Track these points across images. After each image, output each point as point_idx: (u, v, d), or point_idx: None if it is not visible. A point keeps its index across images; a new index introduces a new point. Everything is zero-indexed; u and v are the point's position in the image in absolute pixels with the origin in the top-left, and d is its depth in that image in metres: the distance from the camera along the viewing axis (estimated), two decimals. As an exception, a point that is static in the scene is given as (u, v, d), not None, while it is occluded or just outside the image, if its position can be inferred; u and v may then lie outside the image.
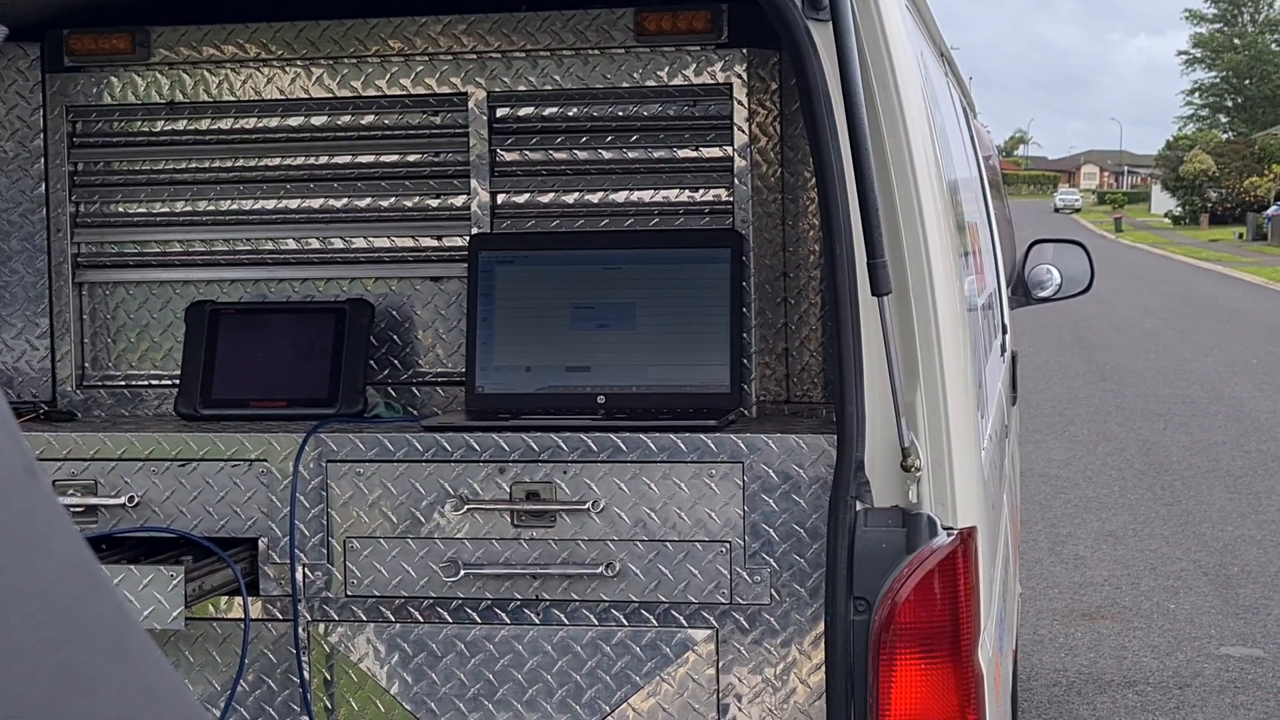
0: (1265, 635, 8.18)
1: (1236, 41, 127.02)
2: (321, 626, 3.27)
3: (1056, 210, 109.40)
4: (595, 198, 3.72)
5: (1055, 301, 7.48)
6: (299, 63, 3.75)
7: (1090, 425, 15.28)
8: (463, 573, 3.19)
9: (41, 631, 0.66)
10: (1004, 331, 5.83)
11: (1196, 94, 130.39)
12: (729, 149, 3.63)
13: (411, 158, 3.79)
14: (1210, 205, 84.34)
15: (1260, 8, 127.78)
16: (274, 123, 3.81)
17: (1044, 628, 8.31)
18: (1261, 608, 8.70)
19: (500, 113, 3.72)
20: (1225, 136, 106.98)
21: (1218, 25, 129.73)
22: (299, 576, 3.26)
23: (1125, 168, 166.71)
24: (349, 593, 3.25)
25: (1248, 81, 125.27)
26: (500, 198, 3.74)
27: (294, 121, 3.80)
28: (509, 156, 3.74)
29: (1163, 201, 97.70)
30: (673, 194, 3.69)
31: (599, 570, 3.14)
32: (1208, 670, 7.61)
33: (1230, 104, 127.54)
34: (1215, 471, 12.78)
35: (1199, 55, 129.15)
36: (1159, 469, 12.95)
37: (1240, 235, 68.00)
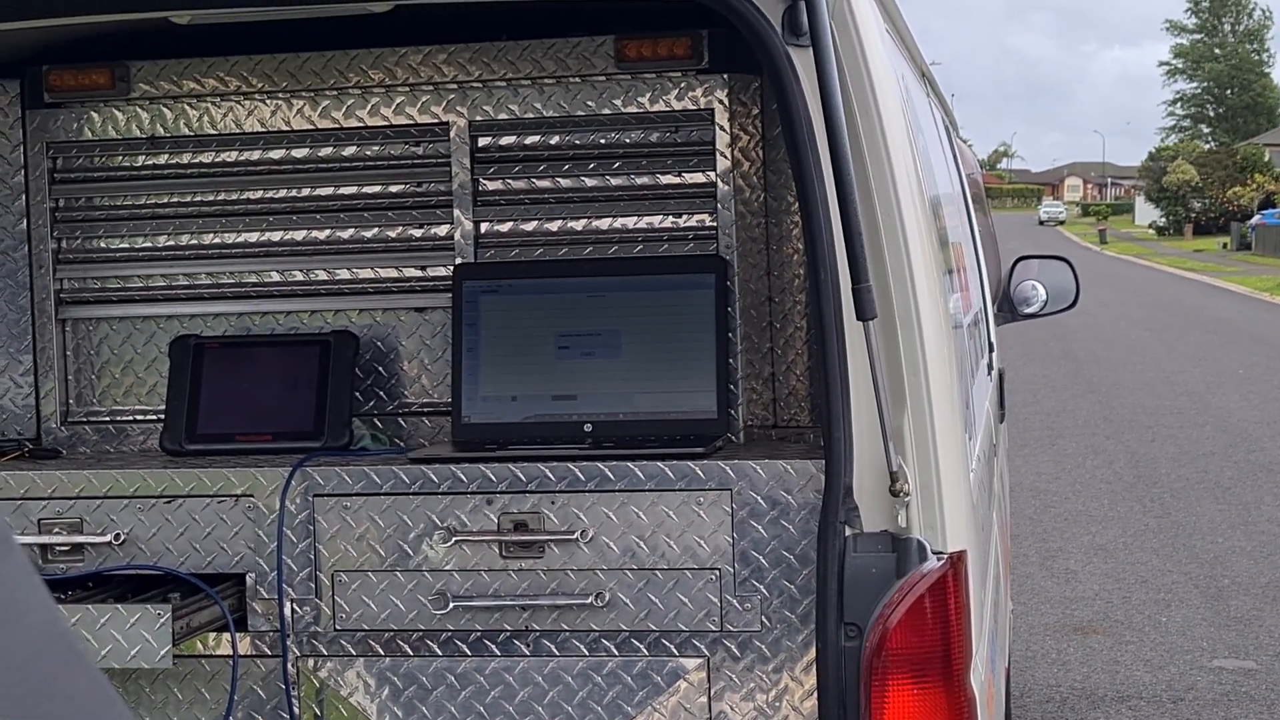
0: (1258, 647, 8.17)
1: (1217, 51, 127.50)
2: (310, 662, 3.25)
3: (1041, 223, 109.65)
4: (579, 225, 3.71)
5: (1041, 318, 7.48)
6: (280, 95, 3.74)
7: (1079, 438, 15.29)
8: (452, 605, 3.17)
9: (13, 711, 0.65)
10: (990, 350, 5.82)
11: (1178, 104, 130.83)
12: (712, 174, 3.62)
13: (394, 188, 3.78)
14: (1194, 215, 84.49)
15: (1240, 18, 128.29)
16: (256, 155, 3.80)
17: (1036, 643, 8.30)
18: (1253, 619, 8.70)
19: (482, 142, 3.71)
20: (1208, 146, 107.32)
21: (1198, 35, 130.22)
22: (287, 612, 3.24)
23: (1108, 179, 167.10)
24: (338, 627, 3.23)
25: (1229, 91, 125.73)
26: (484, 227, 3.73)
27: (276, 154, 3.79)
28: (492, 185, 3.73)
29: (1147, 212, 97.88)
30: (656, 220, 3.68)
31: (589, 600, 3.13)
32: (1201, 683, 7.60)
33: (1212, 114, 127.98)
34: (1204, 483, 12.79)
35: (1180, 66, 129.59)
36: (1148, 481, 12.96)
37: (1225, 245, 68.16)
